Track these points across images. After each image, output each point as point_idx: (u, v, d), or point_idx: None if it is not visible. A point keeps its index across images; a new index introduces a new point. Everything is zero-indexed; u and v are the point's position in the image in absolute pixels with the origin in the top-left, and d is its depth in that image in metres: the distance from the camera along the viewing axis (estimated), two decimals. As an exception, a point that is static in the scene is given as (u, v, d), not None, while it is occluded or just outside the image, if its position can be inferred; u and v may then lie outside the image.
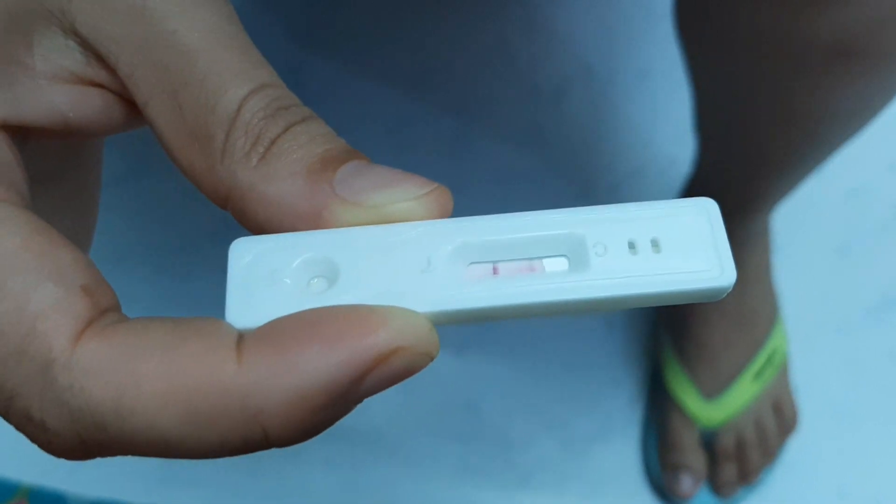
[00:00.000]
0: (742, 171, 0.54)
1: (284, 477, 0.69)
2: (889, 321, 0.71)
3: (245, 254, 0.17)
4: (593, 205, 0.18)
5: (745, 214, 0.60)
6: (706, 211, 0.17)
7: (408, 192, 0.17)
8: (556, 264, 0.17)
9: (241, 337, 0.15)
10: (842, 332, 0.71)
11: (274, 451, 0.61)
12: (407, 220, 0.17)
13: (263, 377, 0.15)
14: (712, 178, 0.59)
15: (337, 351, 0.15)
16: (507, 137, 0.77)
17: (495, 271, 0.17)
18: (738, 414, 0.65)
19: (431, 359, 0.16)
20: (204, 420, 0.15)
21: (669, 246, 0.17)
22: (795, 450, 0.67)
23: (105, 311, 0.16)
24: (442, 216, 0.17)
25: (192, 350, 0.15)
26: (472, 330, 0.72)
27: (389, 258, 0.17)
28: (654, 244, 0.17)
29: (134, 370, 0.15)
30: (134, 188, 0.77)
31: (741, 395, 0.65)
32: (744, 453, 0.65)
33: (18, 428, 0.16)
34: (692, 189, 0.65)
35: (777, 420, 0.66)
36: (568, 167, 0.76)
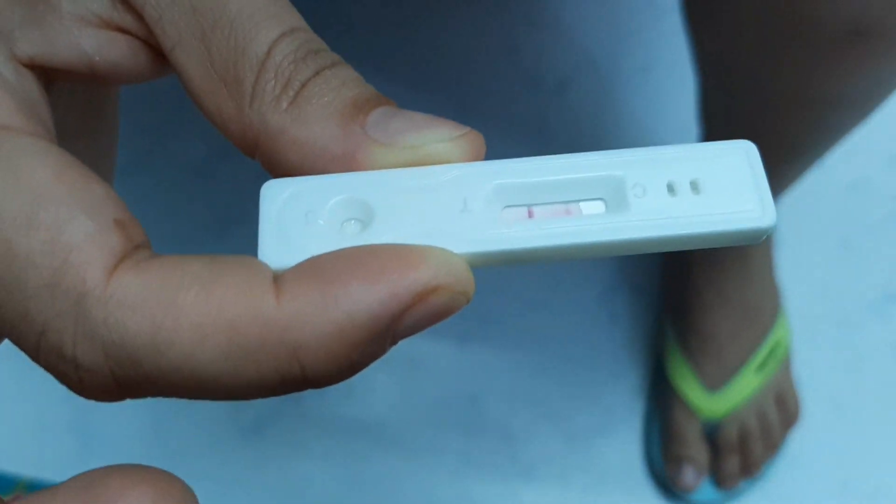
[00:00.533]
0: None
1: (286, 470, 0.69)
2: (891, 314, 0.71)
3: (278, 194, 0.17)
4: (634, 147, 0.18)
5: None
6: (745, 153, 0.17)
7: (441, 133, 0.17)
8: (593, 207, 0.17)
9: (278, 274, 0.15)
10: (844, 325, 0.71)
11: (275, 443, 0.60)
12: (441, 163, 0.17)
13: (303, 311, 0.14)
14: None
15: (378, 287, 0.15)
16: (511, 129, 0.77)
17: (530, 215, 0.17)
18: (740, 406, 0.65)
19: (468, 300, 0.16)
20: (243, 354, 0.14)
21: (709, 187, 0.17)
22: (798, 442, 0.67)
23: (138, 247, 0.15)
24: (475, 159, 0.17)
25: (231, 284, 0.15)
26: (474, 322, 0.72)
27: (424, 200, 0.17)
28: (694, 185, 0.17)
29: (171, 303, 0.14)
30: (136, 182, 0.77)
31: (744, 387, 0.65)
32: (746, 446, 0.65)
33: (48, 367, 0.15)
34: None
35: (780, 412, 0.66)
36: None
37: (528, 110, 0.78)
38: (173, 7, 0.17)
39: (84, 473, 0.14)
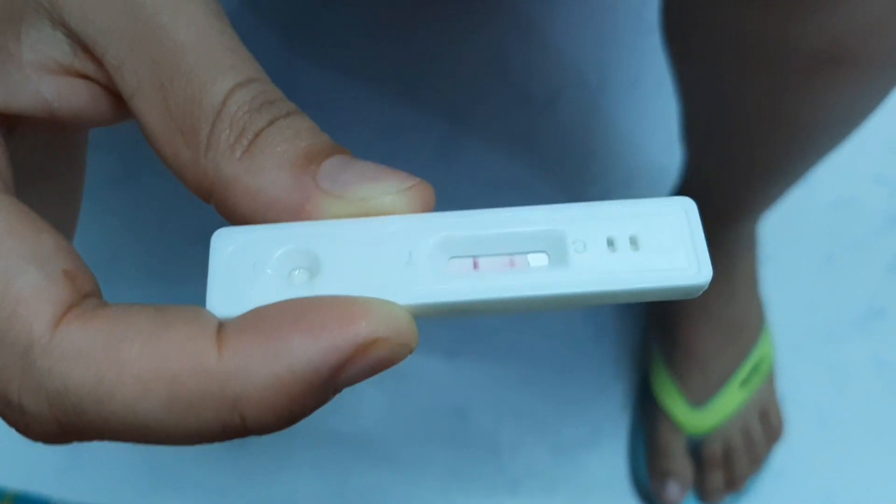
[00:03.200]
0: (729, 178, 0.54)
1: (273, 482, 0.69)
2: (875, 330, 0.71)
3: (227, 244, 0.17)
4: (575, 202, 0.18)
5: (732, 222, 0.61)
6: (684, 209, 0.18)
7: (391, 185, 0.17)
8: (537, 260, 0.17)
9: (222, 325, 0.15)
10: (828, 340, 0.71)
11: (262, 455, 0.61)
12: (389, 214, 0.17)
13: (244, 364, 0.15)
14: (699, 185, 0.60)
15: (318, 340, 0.15)
16: (499, 144, 0.77)
17: (476, 266, 0.17)
18: (725, 421, 0.65)
19: (411, 351, 0.16)
20: (184, 406, 0.15)
21: (648, 243, 0.17)
22: (782, 457, 0.68)
23: (86, 296, 0.16)
24: (424, 210, 0.17)
25: (174, 336, 0.15)
26: (462, 335, 0.72)
27: (371, 251, 0.17)
28: (633, 241, 0.17)
29: (115, 354, 0.15)
30: (128, 190, 0.77)
31: (728, 402, 0.65)
32: (731, 461, 0.66)
33: None
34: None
35: (764, 428, 0.66)
36: (559, 174, 0.76)
37: (518, 125, 0.78)
38: (133, 56, 0.17)
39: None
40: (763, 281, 0.70)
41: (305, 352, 0.15)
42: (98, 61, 0.18)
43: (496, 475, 0.69)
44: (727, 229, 0.62)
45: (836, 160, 0.60)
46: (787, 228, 0.73)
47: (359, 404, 0.71)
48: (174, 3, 0.17)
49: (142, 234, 0.75)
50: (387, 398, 0.71)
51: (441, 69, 0.81)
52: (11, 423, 0.16)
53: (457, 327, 0.73)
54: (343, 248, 0.17)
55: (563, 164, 0.77)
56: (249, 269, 0.17)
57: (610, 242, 0.17)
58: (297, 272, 0.17)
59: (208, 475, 0.69)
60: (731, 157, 0.51)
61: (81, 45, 0.18)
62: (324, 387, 0.15)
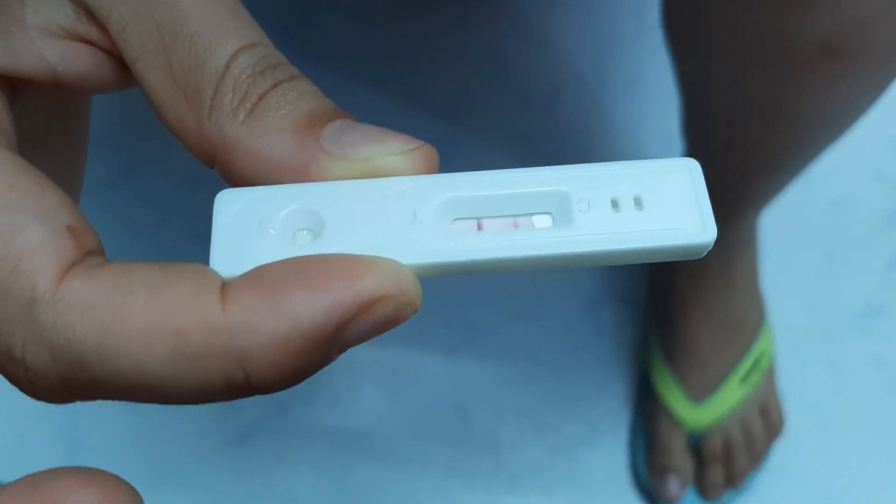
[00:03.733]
0: (729, 173, 0.54)
1: (272, 479, 0.69)
2: (874, 328, 0.71)
3: (231, 204, 0.17)
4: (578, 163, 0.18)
5: (732, 217, 0.61)
6: (689, 170, 0.18)
7: (394, 147, 0.17)
8: (540, 221, 0.17)
9: (226, 282, 0.15)
10: (828, 338, 0.71)
11: (261, 452, 0.61)
12: (393, 176, 0.17)
13: (248, 319, 0.15)
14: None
15: (322, 296, 0.15)
16: (499, 142, 0.78)
17: (479, 227, 0.18)
18: (724, 417, 0.65)
19: (415, 310, 0.16)
20: (188, 360, 0.15)
21: (652, 203, 0.17)
22: (782, 454, 0.68)
23: (90, 253, 0.16)
24: (428, 172, 0.17)
25: (179, 291, 0.15)
26: (461, 333, 0.72)
27: (375, 212, 0.17)
28: (637, 201, 0.17)
29: (119, 308, 0.15)
30: (127, 189, 0.77)
31: (728, 398, 0.65)
32: (730, 457, 0.65)
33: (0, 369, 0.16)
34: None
35: (764, 424, 0.66)
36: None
37: (517, 124, 0.78)
38: (136, 20, 0.17)
39: (32, 474, 0.15)
40: (763, 278, 0.70)
41: (309, 308, 0.15)
42: (102, 26, 0.18)
43: (496, 473, 0.69)
44: (727, 225, 0.62)
45: (836, 157, 0.60)
46: (786, 225, 0.73)
47: (358, 402, 0.71)
48: None
49: (141, 235, 0.75)
50: (386, 396, 0.71)
51: (441, 69, 0.81)
52: (14, 380, 0.16)
53: (457, 325, 0.73)
54: (347, 209, 0.17)
55: (563, 162, 0.76)
56: (253, 229, 0.17)
57: (614, 203, 0.17)
58: (301, 233, 0.17)
59: (207, 473, 0.69)
60: (732, 151, 0.52)
61: (85, 9, 0.18)
62: (328, 344, 0.15)
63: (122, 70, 0.19)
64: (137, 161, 0.78)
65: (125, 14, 0.17)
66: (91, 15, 0.18)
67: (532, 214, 0.18)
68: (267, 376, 0.15)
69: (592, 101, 0.79)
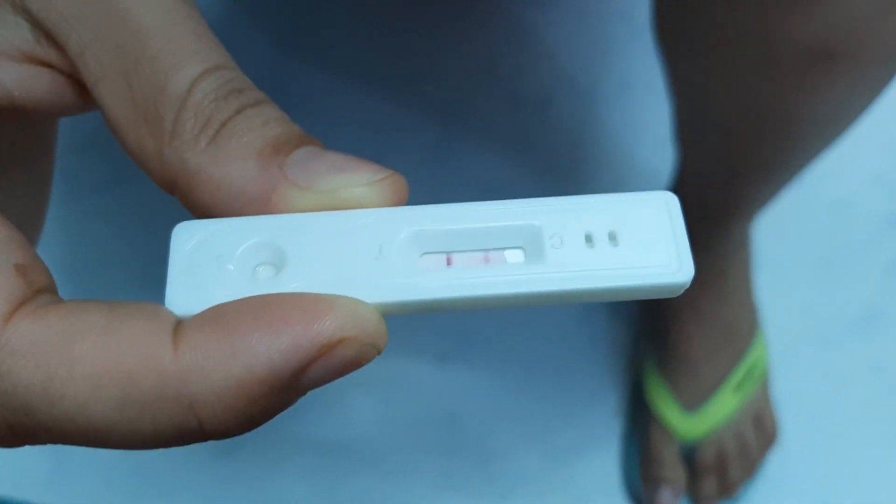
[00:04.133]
0: (722, 178, 0.54)
1: (261, 488, 0.69)
2: (871, 334, 0.71)
3: (189, 238, 0.16)
4: (553, 196, 0.17)
5: (725, 224, 0.60)
6: (666, 204, 0.17)
7: (361, 177, 0.16)
8: (512, 256, 0.17)
9: (180, 322, 0.15)
10: (824, 344, 0.71)
11: (251, 461, 0.60)
12: (360, 208, 0.16)
13: (201, 364, 0.14)
14: (693, 186, 0.59)
15: (279, 338, 0.14)
16: (492, 146, 0.77)
17: (449, 262, 0.17)
18: (718, 427, 0.64)
19: (379, 351, 0.16)
20: (138, 406, 0.14)
21: (627, 239, 0.16)
22: (777, 463, 0.67)
23: (39, 292, 0.15)
24: (396, 204, 0.17)
25: (129, 334, 0.14)
26: (453, 341, 0.72)
27: (339, 246, 0.16)
28: (612, 237, 0.17)
29: (66, 352, 0.14)
30: (117, 195, 0.76)
31: (721, 407, 0.64)
32: (724, 467, 0.65)
33: None
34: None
35: (758, 433, 0.66)
36: (551, 176, 0.76)
37: (510, 127, 0.78)
38: (96, 42, 0.17)
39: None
40: (759, 283, 0.70)
41: (266, 351, 0.14)
42: (61, 48, 0.17)
43: (488, 482, 0.69)
44: (720, 231, 0.61)
45: (834, 161, 0.59)
46: (783, 230, 0.73)
47: (349, 410, 0.70)
48: None
49: (130, 240, 0.75)
50: (377, 404, 0.71)
51: (434, 72, 0.80)
52: None
53: (448, 333, 0.72)
54: (310, 243, 0.16)
55: (555, 167, 0.76)
56: (212, 264, 0.16)
57: (588, 238, 0.17)
58: (261, 268, 0.16)
59: (195, 482, 0.68)
60: (725, 156, 0.51)
61: (44, 31, 0.17)
62: (286, 388, 0.15)
63: (83, 93, 0.18)
64: (125, 167, 0.77)
65: (85, 36, 0.17)
66: (50, 37, 0.17)
67: (503, 249, 0.17)
68: (221, 423, 0.14)
69: (585, 105, 0.78)
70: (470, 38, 0.81)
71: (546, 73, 0.79)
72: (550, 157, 0.77)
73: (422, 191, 0.75)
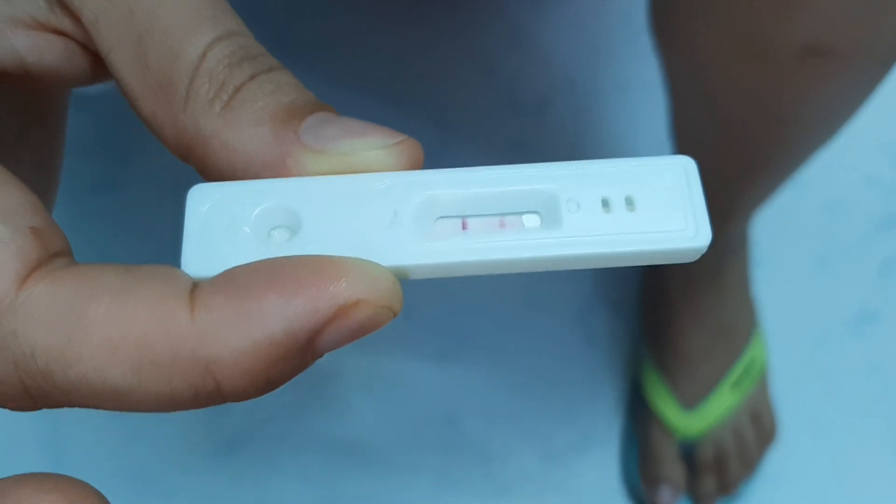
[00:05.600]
0: (719, 176, 0.54)
1: (261, 489, 0.69)
2: (867, 333, 0.71)
3: (204, 201, 0.16)
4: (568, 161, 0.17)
5: (723, 222, 0.60)
6: (684, 169, 0.17)
7: (376, 141, 0.16)
8: (528, 221, 0.17)
9: (196, 285, 0.15)
10: (821, 343, 0.71)
11: (250, 461, 0.60)
12: (375, 171, 0.17)
13: (217, 326, 0.14)
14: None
15: (295, 301, 0.14)
16: (489, 148, 0.77)
17: (465, 226, 0.17)
18: (716, 424, 0.65)
19: (394, 314, 0.16)
20: (154, 369, 0.14)
21: (644, 204, 0.16)
22: (775, 461, 0.67)
23: (55, 255, 0.15)
24: (411, 168, 0.17)
25: (145, 296, 0.14)
26: (452, 340, 0.72)
27: (355, 210, 0.16)
28: (629, 202, 0.17)
29: (82, 315, 0.14)
30: (114, 197, 0.76)
31: (720, 405, 0.65)
32: (723, 465, 0.65)
33: None
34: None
35: (756, 431, 0.66)
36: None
37: (507, 130, 0.78)
38: (110, 10, 0.17)
39: None
40: (755, 284, 0.70)
41: (282, 313, 0.14)
42: (75, 17, 0.17)
43: (487, 481, 0.69)
44: (718, 230, 0.61)
45: (828, 161, 0.59)
46: (778, 231, 0.73)
47: (349, 410, 0.70)
48: None
49: (127, 241, 0.75)
50: (377, 404, 0.71)
51: (432, 75, 0.80)
52: None
53: (447, 333, 0.72)
54: (325, 206, 0.16)
55: (554, 168, 0.77)
56: (227, 227, 0.16)
57: (605, 203, 0.17)
58: (276, 231, 0.16)
59: (195, 482, 0.68)
60: (722, 154, 0.51)
61: (58, 0, 0.17)
62: (302, 351, 0.15)
63: (96, 62, 0.18)
64: (123, 168, 0.77)
65: (99, 5, 0.17)
66: (64, 5, 0.17)
67: (520, 214, 0.17)
68: (238, 385, 0.15)
69: (582, 107, 0.78)
70: (467, 41, 0.81)
71: (543, 75, 0.80)
72: (548, 158, 0.76)
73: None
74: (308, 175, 0.16)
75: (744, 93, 0.43)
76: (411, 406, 0.71)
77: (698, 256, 0.17)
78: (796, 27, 0.37)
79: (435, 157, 0.77)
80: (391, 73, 0.81)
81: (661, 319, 0.67)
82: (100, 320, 0.14)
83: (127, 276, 0.15)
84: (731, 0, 0.38)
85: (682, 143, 0.55)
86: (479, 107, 0.79)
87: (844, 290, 0.72)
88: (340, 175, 0.16)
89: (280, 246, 0.16)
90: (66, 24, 0.17)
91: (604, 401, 0.71)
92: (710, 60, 0.43)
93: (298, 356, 0.15)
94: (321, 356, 0.15)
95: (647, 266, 0.70)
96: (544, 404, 0.70)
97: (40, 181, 0.20)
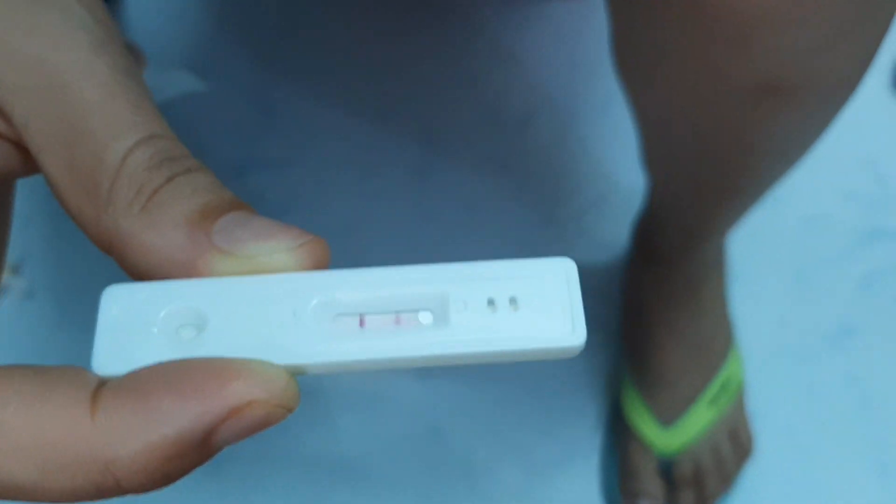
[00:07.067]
0: (689, 201, 0.55)
1: (248, 504, 0.70)
2: (846, 347, 0.72)
3: (116, 301, 0.17)
4: (462, 261, 0.18)
5: (698, 242, 0.61)
6: (564, 271, 0.18)
7: (281, 243, 0.17)
8: (422, 318, 0.18)
9: (101, 386, 0.16)
10: (799, 358, 0.72)
11: (237, 478, 0.61)
12: (280, 271, 0.17)
13: (115, 428, 0.15)
14: (663, 207, 0.60)
15: (189, 404, 0.15)
16: (473, 166, 0.78)
17: (362, 323, 0.18)
18: (694, 441, 0.65)
19: (290, 411, 0.16)
20: (57, 469, 0.15)
21: (526, 304, 0.18)
22: (753, 476, 0.68)
23: None
24: (316, 267, 0.18)
25: (50, 401, 0.15)
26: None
27: (258, 309, 0.17)
28: (513, 302, 0.18)
29: None
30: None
31: (697, 421, 0.65)
32: (701, 480, 0.66)
33: None
34: (646, 218, 0.66)
35: (734, 446, 0.66)
36: (532, 196, 0.77)
37: (491, 146, 0.79)
38: (39, 115, 0.18)
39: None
40: (733, 298, 0.71)
41: (176, 415, 0.15)
42: (6, 118, 0.18)
43: (470, 495, 0.70)
44: (693, 249, 0.62)
45: (806, 177, 0.60)
46: (757, 246, 0.74)
47: (334, 426, 0.71)
48: (81, 61, 0.18)
49: (112, 262, 0.76)
50: (362, 420, 0.72)
51: (417, 93, 0.81)
52: None
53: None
54: (230, 306, 0.17)
55: (536, 186, 0.77)
56: (136, 327, 0.17)
57: (491, 302, 0.18)
58: (183, 330, 0.17)
59: (182, 500, 0.69)
60: (688, 181, 0.52)
61: None
62: (197, 448, 0.16)
63: (29, 158, 0.19)
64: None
65: (29, 108, 0.18)
66: None
67: (414, 311, 0.18)
68: (136, 481, 0.16)
69: (564, 124, 0.79)
70: (452, 60, 0.82)
71: (526, 93, 0.80)
72: (531, 175, 0.78)
73: (405, 209, 0.76)
74: (218, 275, 0.17)
75: (704, 127, 0.44)
76: (395, 421, 0.72)
77: (576, 354, 0.18)
78: (751, 66, 0.38)
79: (420, 173, 0.78)
80: (376, 90, 0.81)
81: (639, 337, 0.67)
82: (8, 425, 0.15)
83: (35, 379, 0.16)
84: (688, 41, 0.39)
85: (651, 170, 0.56)
86: (463, 123, 0.80)
87: (823, 305, 0.73)
88: (248, 276, 0.17)
89: (187, 344, 0.17)
90: None
91: (585, 417, 0.71)
92: (670, 98, 0.44)
93: (194, 453, 0.16)
94: (220, 451, 0.16)
95: (626, 284, 0.70)
96: (527, 420, 0.71)
97: None
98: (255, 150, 0.79)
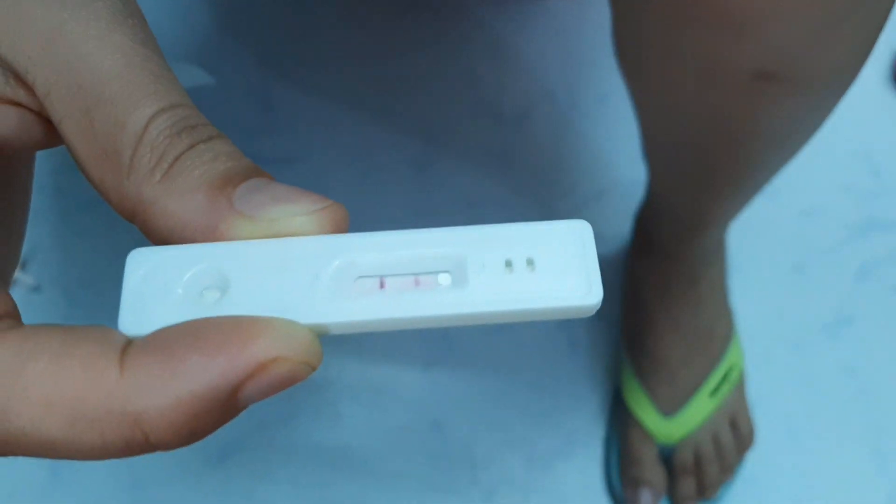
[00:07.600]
0: (689, 191, 0.55)
1: (252, 497, 0.70)
2: (843, 337, 0.72)
3: (141, 264, 0.18)
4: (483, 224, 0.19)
5: (698, 233, 0.62)
6: (580, 232, 0.19)
7: (302, 207, 0.18)
8: (441, 280, 0.18)
9: (128, 344, 0.16)
10: (797, 348, 0.72)
11: (241, 470, 0.61)
12: (300, 235, 0.18)
13: (144, 384, 0.16)
14: (663, 198, 0.61)
15: (216, 360, 0.16)
16: (473, 161, 0.78)
17: (382, 285, 0.18)
18: (695, 430, 0.66)
19: (313, 369, 0.17)
20: (87, 423, 0.16)
21: (543, 265, 0.18)
22: (753, 464, 0.68)
23: (1, 317, 0.16)
24: (336, 232, 0.18)
25: (79, 357, 0.16)
26: (438, 348, 0.73)
27: (280, 272, 0.18)
28: (530, 263, 0.18)
29: (20, 373, 0.16)
30: (104, 213, 0.78)
31: (698, 411, 0.66)
32: (702, 468, 0.66)
33: None
34: (646, 210, 0.67)
35: (734, 436, 0.67)
36: (532, 189, 0.77)
37: (490, 141, 0.79)
38: (60, 83, 0.18)
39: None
40: (732, 290, 0.71)
41: (203, 371, 0.16)
42: (29, 88, 0.18)
43: (472, 486, 0.70)
44: (693, 240, 0.63)
45: (804, 169, 0.60)
46: (755, 238, 0.74)
47: (337, 418, 0.72)
48: (100, 31, 0.18)
49: (118, 257, 0.76)
50: (364, 411, 0.72)
51: (416, 90, 0.82)
52: None
53: (434, 341, 0.74)
54: (252, 269, 0.18)
55: (536, 180, 0.78)
56: (161, 288, 0.18)
57: (508, 263, 0.18)
58: (207, 292, 0.18)
59: (187, 491, 0.70)
60: (688, 171, 0.52)
61: (13, 72, 0.18)
62: (225, 405, 0.16)
63: (51, 129, 0.19)
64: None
65: (50, 78, 0.18)
66: (19, 78, 0.18)
67: (433, 273, 0.18)
68: (165, 436, 0.16)
69: (563, 118, 0.80)
70: (451, 56, 0.82)
71: (525, 88, 0.81)
72: (531, 169, 0.78)
73: (406, 204, 0.77)
74: (240, 239, 0.18)
75: (702, 117, 0.45)
76: (399, 413, 0.72)
77: (592, 313, 0.18)
78: (745, 55, 0.38)
79: (421, 169, 0.78)
80: (376, 86, 0.82)
81: (639, 327, 0.68)
82: (37, 378, 0.16)
83: (64, 336, 0.16)
84: (687, 31, 0.39)
85: (651, 161, 0.57)
86: (462, 118, 0.80)
87: (821, 296, 0.74)
88: (269, 239, 0.18)
89: (210, 306, 0.17)
90: (20, 94, 0.19)
91: (587, 407, 0.72)
92: (669, 87, 0.44)
93: (221, 409, 0.16)
94: (245, 408, 0.17)
95: (627, 274, 0.71)
96: (528, 411, 0.72)
97: (3, 244, 0.21)
98: (256, 146, 0.80)
